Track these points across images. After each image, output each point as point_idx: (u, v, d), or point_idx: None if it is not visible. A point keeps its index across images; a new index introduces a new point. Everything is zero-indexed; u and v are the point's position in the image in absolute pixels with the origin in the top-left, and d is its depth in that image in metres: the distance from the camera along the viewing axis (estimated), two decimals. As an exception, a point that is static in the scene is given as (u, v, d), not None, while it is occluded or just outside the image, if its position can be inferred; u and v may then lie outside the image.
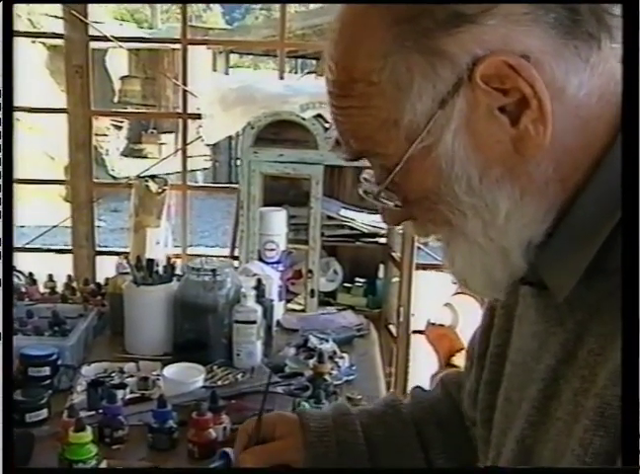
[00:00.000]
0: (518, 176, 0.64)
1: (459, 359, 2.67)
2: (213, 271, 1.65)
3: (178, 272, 1.79)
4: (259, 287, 1.68)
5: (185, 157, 3.40)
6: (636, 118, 0.62)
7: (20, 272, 2.01)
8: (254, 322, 1.62)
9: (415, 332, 3.16)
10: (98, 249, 3.61)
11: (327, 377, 1.52)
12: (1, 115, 0.74)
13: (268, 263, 1.94)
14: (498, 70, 0.61)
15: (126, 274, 1.80)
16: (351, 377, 1.61)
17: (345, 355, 1.67)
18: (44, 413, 1.40)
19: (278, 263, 1.95)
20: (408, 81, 0.63)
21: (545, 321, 0.70)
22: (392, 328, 3.20)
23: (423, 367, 3.03)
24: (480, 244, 0.67)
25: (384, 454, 0.97)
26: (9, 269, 0.71)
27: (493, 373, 0.83)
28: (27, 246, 3.73)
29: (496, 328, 0.84)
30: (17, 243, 3.66)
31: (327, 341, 1.70)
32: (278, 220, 1.99)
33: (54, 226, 3.90)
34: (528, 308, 0.75)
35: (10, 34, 0.79)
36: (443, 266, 0.74)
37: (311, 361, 1.59)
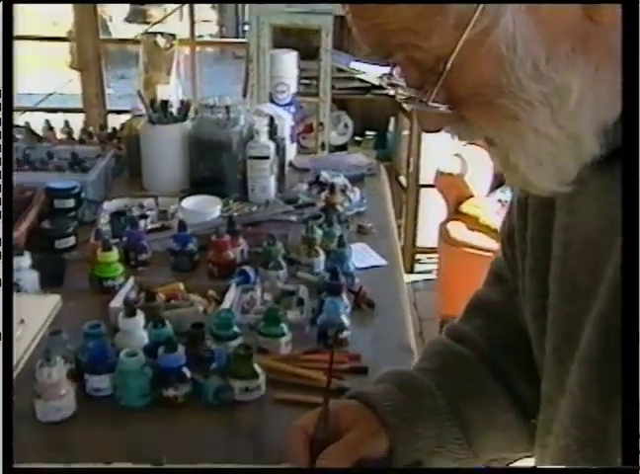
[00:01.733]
0: (591, 48, 0.57)
1: (468, 207, 2.73)
2: (227, 107, 1.68)
3: (191, 113, 1.82)
4: (271, 125, 1.72)
5: (192, 10, 3.35)
6: (636, 117, 0.58)
7: (25, 126, 2.01)
8: (267, 157, 1.67)
9: (423, 186, 3.22)
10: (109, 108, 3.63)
11: (339, 207, 1.59)
12: (1, 115, 0.75)
13: (279, 105, 1.97)
14: None
15: (141, 116, 1.83)
16: (361, 209, 1.67)
17: (356, 189, 1.73)
18: (72, 240, 1.48)
19: (289, 105, 1.98)
20: None
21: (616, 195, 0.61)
22: (402, 179, 3.26)
23: (432, 218, 3.11)
24: (549, 135, 0.60)
25: (467, 405, 0.84)
26: (9, 268, 0.73)
27: (538, 259, 0.75)
28: (38, 106, 3.76)
29: (532, 208, 0.76)
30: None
31: (338, 176, 1.75)
32: (288, 62, 2.00)
33: (60, 95, 3.89)
34: (586, 182, 0.64)
35: (10, 34, 0.78)
36: (501, 177, 0.68)
37: (323, 194, 1.65)
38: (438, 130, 0.66)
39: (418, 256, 3.44)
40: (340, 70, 3.03)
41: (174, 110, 1.80)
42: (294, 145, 2.05)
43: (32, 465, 0.88)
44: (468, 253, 2.61)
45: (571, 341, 0.68)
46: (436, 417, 0.83)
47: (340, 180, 1.72)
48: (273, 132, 1.72)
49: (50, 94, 3.75)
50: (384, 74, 0.65)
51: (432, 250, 3.21)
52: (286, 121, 1.89)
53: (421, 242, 3.38)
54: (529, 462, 0.86)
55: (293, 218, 1.57)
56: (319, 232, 1.41)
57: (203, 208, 1.56)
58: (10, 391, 0.64)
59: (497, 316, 0.89)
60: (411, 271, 3.37)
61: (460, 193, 2.73)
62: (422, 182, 3.18)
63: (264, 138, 1.68)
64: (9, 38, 0.77)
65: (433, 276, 3.28)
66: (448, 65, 0.59)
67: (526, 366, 0.81)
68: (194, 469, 0.64)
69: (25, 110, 3.61)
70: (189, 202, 1.58)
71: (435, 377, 0.86)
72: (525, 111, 0.59)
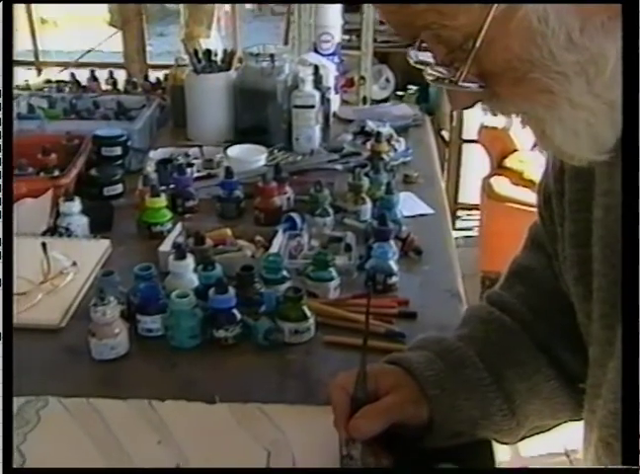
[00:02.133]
0: None
1: (512, 161, 2.70)
2: (272, 56, 1.67)
3: (235, 62, 1.81)
4: (316, 74, 1.70)
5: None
6: (636, 117, 0.58)
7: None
8: (312, 106, 1.66)
9: (466, 141, 3.18)
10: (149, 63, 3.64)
11: (384, 156, 1.57)
12: (1, 115, 0.74)
13: (323, 55, 1.94)
14: None
15: (184, 66, 1.83)
16: (407, 159, 1.66)
17: (401, 139, 1.71)
18: (120, 188, 1.49)
19: (333, 55, 1.96)
20: None
21: None
22: (444, 134, 3.22)
23: (474, 174, 3.07)
24: (585, 104, 0.59)
25: (511, 375, 0.83)
26: (9, 268, 0.73)
27: (577, 223, 0.73)
28: (79, 61, 3.76)
29: (569, 172, 0.74)
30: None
31: (384, 126, 1.74)
32: (333, 11, 1.97)
33: (100, 52, 3.89)
34: None
35: (10, 34, 0.77)
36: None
37: (368, 143, 1.64)
38: (470, 107, 0.66)
39: (459, 212, 3.41)
40: (382, 23, 2.99)
41: (218, 59, 1.79)
42: (338, 96, 2.03)
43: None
44: (511, 208, 2.58)
45: (618, 306, 0.65)
46: (478, 389, 0.82)
47: (385, 129, 1.71)
48: (317, 82, 1.71)
49: (89, 51, 3.76)
50: (411, 48, 0.64)
51: (473, 206, 3.18)
52: (331, 71, 1.87)
53: (462, 198, 3.35)
54: (572, 427, 0.86)
55: (339, 167, 1.56)
56: (365, 180, 1.40)
57: (249, 157, 1.56)
58: (10, 391, 0.65)
59: (538, 283, 0.88)
60: (452, 227, 3.34)
61: (504, 147, 2.69)
62: (465, 137, 3.14)
63: (309, 87, 1.66)
64: (9, 37, 0.77)
65: (474, 232, 3.26)
66: (478, 43, 0.57)
67: (570, 334, 0.80)
68: (194, 469, 0.65)
69: (65, 65, 3.63)
70: (234, 151, 1.58)
71: (477, 346, 0.85)
72: (560, 82, 0.58)
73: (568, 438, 2.16)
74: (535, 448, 2.15)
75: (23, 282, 1.13)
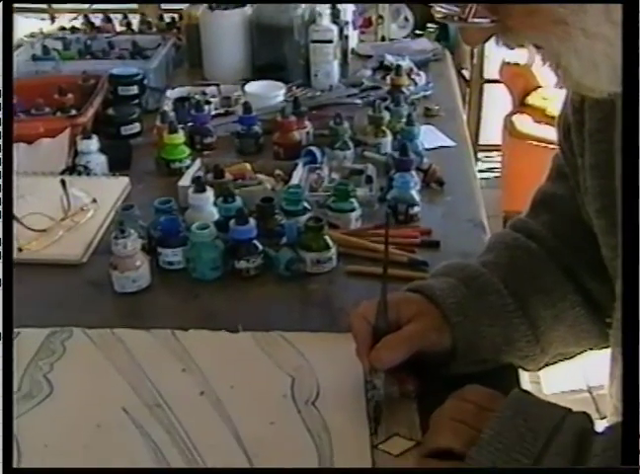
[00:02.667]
0: None
1: (534, 98, 2.64)
2: (288, -11, 1.63)
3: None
4: (334, 7, 1.66)
5: None
6: (636, 117, 0.56)
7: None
8: (330, 41, 1.63)
9: (488, 81, 3.11)
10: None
11: (404, 90, 1.54)
12: (1, 114, 0.72)
13: (341, -11, 1.89)
14: None
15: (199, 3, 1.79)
16: (428, 92, 1.63)
17: (421, 73, 1.68)
18: (137, 127, 1.48)
19: (351, -11, 1.90)
20: None
21: None
22: (465, 74, 3.15)
23: (495, 115, 3.02)
24: (602, 34, 0.57)
25: (536, 302, 0.82)
26: (9, 268, 0.71)
27: (598, 154, 0.72)
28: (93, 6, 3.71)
29: (589, 101, 0.72)
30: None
31: (403, 59, 1.70)
32: (349, -57, 1.90)
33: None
34: None
35: (10, 34, 0.76)
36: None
37: (388, 77, 1.61)
38: (483, 43, 0.63)
39: (480, 154, 3.36)
40: (399, -40, 2.91)
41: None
42: (356, 33, 1.99)
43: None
44: (534, 146, 2.53)
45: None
46: (502, 315, 0.80)
47: (405, 63, 1.67)
48: (335, 16, 1.67)
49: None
50: None
51: (495, 147, 3.13)
52: (349, 6, 1.83)
53: (484, 140, 3.30)
54: (595, 363, 0.85)
55: (358, 101, 1.54)
56: (386, 113, 1.38)
57: (267, 93, 1.54)
58: (10, 391, 0.65)
59: (563, 212, 0.86)
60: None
61: (527, 83, 2.64)
62: (486, 76, 3.08)
63: (326, 22, 1.63)
64: (9, 37, 0.76)
65: (495, 173, 3.22)
66: None
67: (596, 264, 0.78)
68: (196, 469, 0.64)
69: (79, 11, 3.58)
70: (252, 87, 1.55)
71: (502, 272, 0.83)
72: (574, 12, 0.56)
73: (591, 375, 2.16)
74: (558, 385, 2.15)
75: (44, 219, 1.13)
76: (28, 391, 0.83)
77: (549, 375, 2.19)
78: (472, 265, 0.85)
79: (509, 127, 2.66)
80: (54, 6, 3.71)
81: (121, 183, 1.27)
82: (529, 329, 0.81)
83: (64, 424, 0.79)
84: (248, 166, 1.25)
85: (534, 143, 2.55)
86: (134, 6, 3.55)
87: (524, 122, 2.62)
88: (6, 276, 0.68)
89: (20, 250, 1.08)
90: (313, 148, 1.30)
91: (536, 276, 0.83)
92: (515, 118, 2.66)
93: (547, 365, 0.86)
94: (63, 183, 1.18)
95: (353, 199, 1.11)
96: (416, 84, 1.63)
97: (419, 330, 0.78)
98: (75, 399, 0.82)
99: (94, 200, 1.18)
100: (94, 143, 1.30)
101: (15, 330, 0.92)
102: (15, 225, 1.11)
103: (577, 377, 2.18)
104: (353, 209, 1.11)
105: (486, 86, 3.11)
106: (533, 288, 0.82)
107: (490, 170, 3.29)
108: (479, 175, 3.23)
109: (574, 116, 0.76)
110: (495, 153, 3.23)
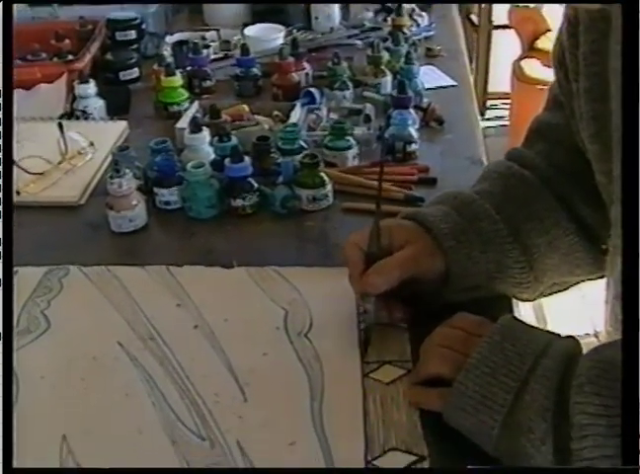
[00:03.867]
0: None
1: (544, 42, 2.60)
2: None
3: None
4: (334, -52, 1.62)
5: None
6: (636, 117, 0.55)
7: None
8: (330, -18, 1.60)
9: (496, 27, 3.06)
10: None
11: (405, 31, 1.52)
12: (1, 114, 0.71)
13: None
14: None
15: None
16: (430, 33, 1.60)
17: (424, 14, 1.65)
18: (136, 72, 1.46)
19: None
20: None
21: None
22: (473, 18, 3.10)
23: (504, 62, 2.97)
24: None
25: (530, 229, 0.81)
26: (9, 268, 0.69)
27: (592, 77, 0.70)
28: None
29: (583, 23, 0.70)
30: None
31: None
32: None
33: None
34: None
35: (10, 34, 0.74)
36: None
37: (389, 19, 1.58)
38: None
39: (489, 102, 3.32)
40: None
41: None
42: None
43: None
44: (543, 91, 2.49)
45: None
46: (494, 240, 0.80)
47: (407, 4, 1.64)
48: (336, -44, 1.63)
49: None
50: None
51: (504, 96, 3.09)
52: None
53: (492, 87, 3.26)
54: (590, 285, 0.86)
55: (359, 43, 1.51)
56: (385, 52, 1.36)
57: (267, 36, 1.52)
58: (10, 391, 0.65)
59: (559, 140, 0.85)
60: (482, 117, 3.27)
61: (536, 27, 2.59)
62: (495, 22, 3.02)
63: (325, -39, 1.60)
64: (9, 37, 0.75)
65: (504, 122, 3.18)
66: None
67: (590, 191, 0.77)
68: (197, 469, 0.64)
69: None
70: (252, 30, 1.53)
71: (495, 200, 0.83)
72: None
73: (598, 320, 2.16)
74: (565, 330, 2.15)
75: (41, 163, 1.13)
76: (25, 327, 0.84)
77: (555, 320, 2.20)
78: (465, 193, 0.85)
79: (517, 73, 2.63)
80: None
81: (119, 127, 1.27)
82: (522, 255, 0.80)
83: (61, 357, 0.80)
84: (246, 107, 1.24)
85: (543, 88, 2.50)
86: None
87: (534, 67, 2.58)
88: (6, 276, 0.68)
89: (18, 193, 1.08)
90: (312, 89, 1.28)
91: (530, 204, 0.83)
92: (523, 62, 2.62)
93: (542, 296, 0.86)
94: (60, 126, 1.17)
95: (349, 138, 1.11)
96: (418, 25, 1.60)
97: (411, 255, 0.78)
98: (71, 334, 0.83)
99: (91, 144, 1.18)
100: (91, 87, 1.29)
101: (13, 269, 0.93)
102: (12, 168, 1.11)
103: (584, 322, 2.18)
104: (349, 147, 1.10)
105: (494, 33, 3.06)
106: (526, 216, 0.82)
107: (499, 118, 3.26)
108: (487, 123, 3.22)
109: (568, 40, 0.74)
110: (503, 101, 3.19)
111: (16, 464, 0.63)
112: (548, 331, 0.71)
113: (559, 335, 0.70)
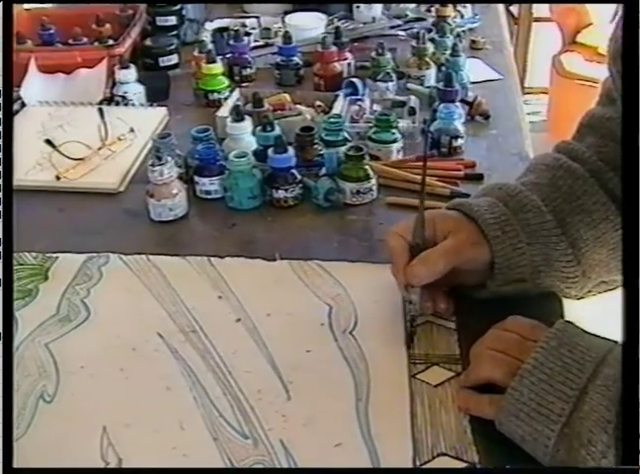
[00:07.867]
0: None
1: (586, 36, 2.55)
2: None
3: None
4: None
5: None
6: (636, 117, 0.55)
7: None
8: (374, -30, 1.57)
9: (537, 20, 3.01)
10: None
11: (450, 21, 1.49)
12: (1, 114, 0.69)
13: None
14: None
15: None
16: (474, 25, 1.57)
17: (468, 5, 1.61)
18: (175, 58, 1.45)
19: None
20: None
21: None
22: (513, 9, 3.05)
23: (544, 55, 2.92)
24: None
25: (577, 222, 0.79)
26: (9, 268, 0.67)
27: None
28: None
29: None
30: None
31: (450, -9, 1.63)
32: None
33: None
34: None
35: (10, 33, 0.73)
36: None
37: (433, 9, 1.55)
38: None
39: (527, 97, 3.27)
40: None
41: None
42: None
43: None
44: (583, 86, 2.45)
45: None
46: (541, 232, 0.77)
47: (453, -6, 1.61)
48: (379, -55, 1.60)
49: None
50: None
51: (542, 90, 3.04)
52: None
53: (530, 82, 3.20)
54: None
55: (402, 33, 1.49)
56: (430, 44, 1.33)
57: (308, 24, 1.49)
58: (10, 390, 0.63)
59: (610, 135, 0.82)
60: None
61: (578, 20, 2.54)
62: (535, 15, 2.97)
63: (370, -50, 1.57)
64: (9, 37, 0.74)
65: (541, 117, 3.13)
66: None
67: None
68: (198, 469, 0.63)
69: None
70: (293, 19, 1.51)
71: (542, 192, 0.80)
72: None
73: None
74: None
75: (81, 148, 1.12)
76: (65, 315, 0.83)
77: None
78: (511, 184, 0.82)
79: (557, 67, 2.58)
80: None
81: (159, 113, 1.25)
82: (570, 248, 0.77)
83: (100, 346, 0.79)
84: (287, 96, 1.22)
85: (583, 83, 2.46)
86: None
87: (574, 61, 2.53)
88: (6, 276, 0.67)
89: (58, 178, 1.07)
90: (355, 80, 1.26)
91: (578, 196, 0.80)
92: (563, 56, 2.57)
93: (591, 294, 0.83)
94: (101, 111, 1.16)
95: (394, 131, 1.08)
96: (462, 16, 1.57)
97: (455, 245, 0.76)
98: (111, 323, 0.82)
99: (131, 130, 1.17)
100: (132, 73, 1.28)
101: (53, 255, 0.93)
102: (53, 153, 1.11)
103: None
104: (394, 140, 1.07)
105: (534, 25, 3.01)
106: (574, 208, 0.79)
107: (536, 113, 3.21)
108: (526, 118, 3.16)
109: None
110: (541, 96, 3.14)
111: (15, 464, 0.61)
112: (605, 337, 0.68)
113: (617, 342, 0.67)
